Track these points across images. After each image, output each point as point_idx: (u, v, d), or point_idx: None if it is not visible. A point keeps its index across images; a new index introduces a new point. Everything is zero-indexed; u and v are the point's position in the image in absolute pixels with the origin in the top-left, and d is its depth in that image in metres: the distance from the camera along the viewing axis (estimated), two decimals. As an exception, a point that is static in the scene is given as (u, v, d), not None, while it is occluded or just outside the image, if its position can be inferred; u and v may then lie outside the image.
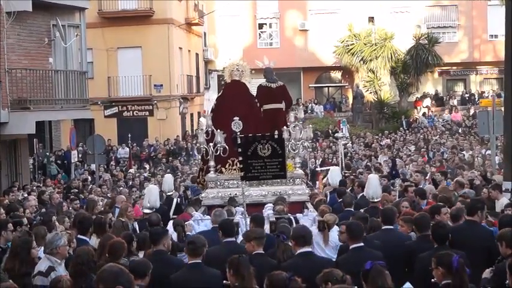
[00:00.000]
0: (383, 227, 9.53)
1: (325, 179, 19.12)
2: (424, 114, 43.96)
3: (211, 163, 14.34)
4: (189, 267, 7.85)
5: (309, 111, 45.01)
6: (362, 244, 8.27)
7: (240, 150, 11.08)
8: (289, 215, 11.81)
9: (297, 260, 8.01)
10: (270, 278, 6.35)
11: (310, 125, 16.74)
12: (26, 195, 18.23)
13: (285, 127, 14.59)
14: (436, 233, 8.36)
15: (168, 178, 16.90)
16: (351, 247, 8.30)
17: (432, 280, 6.83)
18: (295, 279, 6.24)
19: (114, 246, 8.39)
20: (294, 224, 11.09)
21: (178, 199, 15.91)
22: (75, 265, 7.70)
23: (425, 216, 9.37)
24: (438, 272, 6.73)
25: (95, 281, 5.35)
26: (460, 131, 37.49)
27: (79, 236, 9.93)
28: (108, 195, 19.70)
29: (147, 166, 31.31)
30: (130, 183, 24.60)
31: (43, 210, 15.58)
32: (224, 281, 7.08)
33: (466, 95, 47.44)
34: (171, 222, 11.73)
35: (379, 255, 8.05)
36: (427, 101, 46.18)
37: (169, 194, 15.91)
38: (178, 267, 8.16)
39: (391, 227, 9.52)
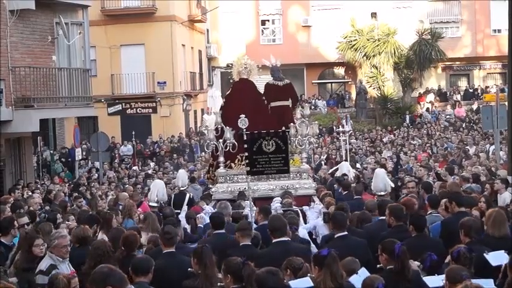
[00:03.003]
0: (379, 218, 10.12)
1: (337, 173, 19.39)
2: (427, 109, 43.90)
3: (221, 159, 14.96)
4: (165, 256, 8.16)
5: (312, 107, 44.98)
6: (346, 233, 8.73)
7: (246, 146, 11.44)
8: (296, 207, 12.24)
9: (272, 249, 8.39)
10: (226, 263, 6.75)
11: (316, 122, 17.27)
12: (30, 193, 18.26)
13: (291, 123, 15.12)
14: (415, 222, 8.71)
15: (182, 173, 17.31)
16: (336, 236, 8.73)
17: (378, 266, 7.23)
18: (248, 263, 6.59)
19: (129, 239, 8.57)
20: (301, 216, 11.66)
21: (191, 194, 16.25)
22: (95, 257, 7.85)
23: (400, 207, 9.76)
24: (383, 258, 7.14)
25: (89, 283, 5.53)
26: (464, 125, 37.43)
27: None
28: (112, 192, 19.76)
29: (151, 163, 31.33)
30: (134, 180, 24.69)
31: (47, 208, 15.69)
32: (189, 269, 7.44)
33: (470, 90, 47.40)
34: (183, 214, 12.40)
35: (362, 243, 8.59)
36: (431, 96, 46.09)
37: (182, 189, 16.28)
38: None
39: (383, 217, 9.95)
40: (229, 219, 10.90)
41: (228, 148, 14.43)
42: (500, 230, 8.16)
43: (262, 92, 16.70)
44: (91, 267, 7.58)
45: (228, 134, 14.40)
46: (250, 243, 8.54)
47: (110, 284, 5.36)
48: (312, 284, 6.66)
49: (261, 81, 17.41)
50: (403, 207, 9.79)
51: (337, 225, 8.80)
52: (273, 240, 8.46)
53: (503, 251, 7.39)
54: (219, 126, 14.97)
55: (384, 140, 34.11)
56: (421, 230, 8.68)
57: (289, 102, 16.56)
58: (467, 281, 5.74)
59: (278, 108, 16.28)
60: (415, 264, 7.34)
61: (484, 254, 7.27)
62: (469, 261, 6.84)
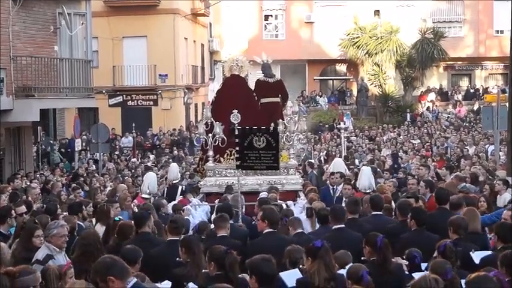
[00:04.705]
0: (372, 213, 10.39)
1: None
2: (428, 108, 43.91)
3: (210, 153, 15.21)
4: (168, 244, 8.41)
5: (313, 104, 44.98)
6: (343, 225, 9.04)
7: (237, 140, 11.64)
8: (280, 202, 12.55)
9: (263, 239, 8.83)
10: (210, 251, 7.00)
11: (304, 119, 17.74)
12: (28, 183, 18.27)
13: (280, 120, 15.39)
14: (416, 216, 9.05)
15: (174, 167, 17.42)
16: (333, 228, 9.08)
17: (362, 258, 7.45)
18: (231, 252, 6.85)
19: (123, 229, 8.77)
20: None
21: (183, 187, 16.35)
22: (81, 246, 7.96)
23: (406, 201, 10.36)
24: (366, 251, 7.45)
25: (91, 273, 5.63)
26: (464, 125, 37.42)
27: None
28: (111, 183, 19.78)
29: (151, 156, 31.34)
30: (133, 171, 24.71)
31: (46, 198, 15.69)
32: (177, 259, 7.59)
33: (471, 90, 47.39)
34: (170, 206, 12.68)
35: (357, 237, 8.68)
36: (432, 96, 46.09)
37: (174, 182, 16.39)
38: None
39: (380, 212, 10.34)
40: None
41: (217, 142, 14.74)
42: (471, 225, 8.71)
43: (253, 88, 16.97)
44: (78, 255, 7.85)
45: (218, 128, 14.69)
46: (226, 235, 8.77)
47: (112, 274, 5.44)
48: (300, 275, 6.85)
49: (257, 75, 17.65)
50: (410, 203, 10.21)
51: (335, 217, 9.13)
52: (265, 231, 8.89)
53: (490, 251, 7.88)
54: (209, 120, 15.27)
55: (384, 138, 34.10)
56: (422, 225, 8.94)
57: (279, 99, 16.78)
58: (426, 273, 5.95)
59: (268, 104, 16.52)
60: (403, 262, 7.55)
61: (471, 253, 7.70)
62: (454, 255, 7.13)
